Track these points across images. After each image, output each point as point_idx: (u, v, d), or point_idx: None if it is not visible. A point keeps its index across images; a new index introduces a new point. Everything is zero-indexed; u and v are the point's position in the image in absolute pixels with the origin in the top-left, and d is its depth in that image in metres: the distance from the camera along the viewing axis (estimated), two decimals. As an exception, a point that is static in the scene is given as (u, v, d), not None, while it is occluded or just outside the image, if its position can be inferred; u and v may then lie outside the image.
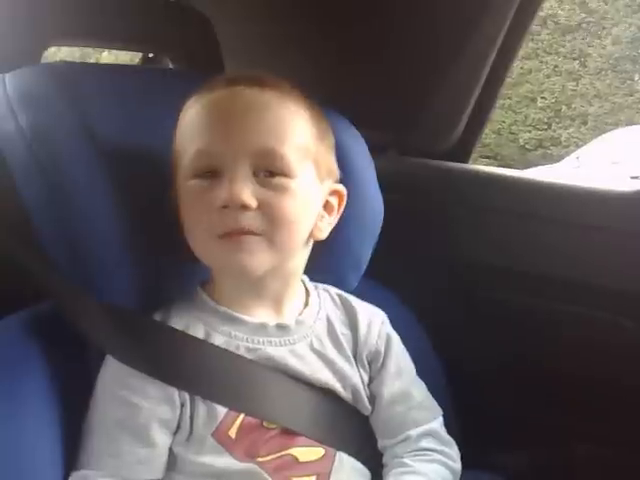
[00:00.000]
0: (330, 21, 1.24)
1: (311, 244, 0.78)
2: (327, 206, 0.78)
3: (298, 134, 0.73)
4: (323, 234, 0.78)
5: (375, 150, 0.92)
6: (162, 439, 0.71)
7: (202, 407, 0.71)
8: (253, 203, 0.70)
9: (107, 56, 5.45)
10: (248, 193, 0.69)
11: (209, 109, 0.73)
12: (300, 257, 0.78)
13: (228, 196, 0.69)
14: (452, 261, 1.15)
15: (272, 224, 0.71)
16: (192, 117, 0.74)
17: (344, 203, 0.80)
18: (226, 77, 0.76)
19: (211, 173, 0.71)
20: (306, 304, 0.80)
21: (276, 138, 0.72)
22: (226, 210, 0.70)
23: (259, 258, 0.71)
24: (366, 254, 0.89)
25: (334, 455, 0.75)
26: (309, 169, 0.74)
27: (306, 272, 0.82)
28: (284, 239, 0.72)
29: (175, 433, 0.72)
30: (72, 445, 0.71)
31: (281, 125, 0.72)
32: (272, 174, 0.71)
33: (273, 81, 0.75)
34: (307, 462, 0.74)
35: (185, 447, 0.72)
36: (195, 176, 0.72)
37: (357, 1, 1.21)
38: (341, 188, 0.80)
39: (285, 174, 0.72)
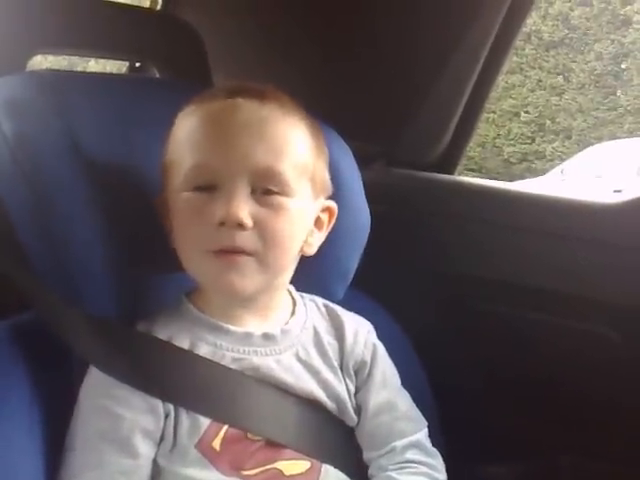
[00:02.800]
0: (318, 33, 1.24)
1: (299, 257, 0.78)
2: (318, 222, 0.78)
3: (298, 151, 0.73)
4: (312, 249, 0.78)
5: (362, 161, 0.92)
6: (145, 450, 0.70)
7: (186, 418, 0.71)
8: (249, 222, 0.69)
9: (94, 65, 5.43)
10: (246, 212, 0.69)
11: (208, 122, 0.72)
12: (288, 271, 0.78)
13: (225, 214, 0.69)
14: (438, 272, 1.15)
15: (266, 244, 0.71)
16: (190, 128, 0.73)
17: (334, 219, 0.80)
18: (225, 88, 0.75)
19: (207, 187, 0.71)
20: (292, 313, 0.80)
21: (276, 156, 0.71)
22: (222, 227, 0.69)
23: (250, 280, 0.71)
24: (352, 265, 0.89)
25: (320, 468, 0.74)
26: (306, 187, 0.74)
27: (292, 282, 0.81)
28: (276, 259, 0.72)
29: (159, 444, 0.71)
30: (55, 456, 0.69)
31: (281, 142, 0.72)
32: (270, 192, 0.71)
33: (272, 93, 0.75)
34: (293, 475, 0.73)
35: (169, 459, 0.71)
36: (191, 189, 0.71)
37: (344, 13, 1.22)
38: (333, 205, 0.80)
39: (283, 192, 0.71)
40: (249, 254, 0.70)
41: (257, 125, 0.71)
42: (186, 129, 0.73)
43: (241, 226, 0.69)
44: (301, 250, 0.77)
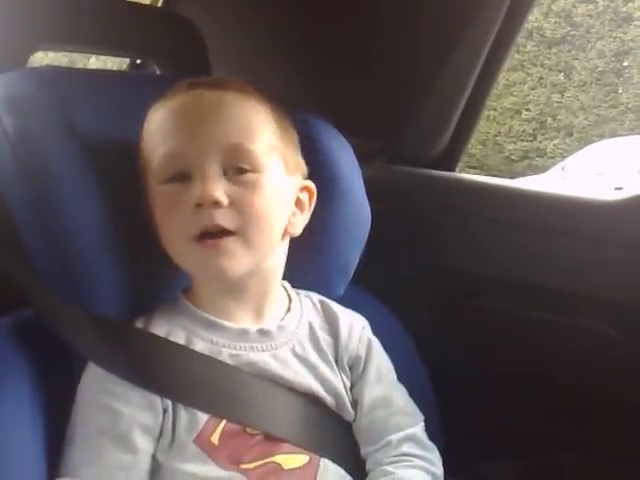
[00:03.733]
0: (318, 29, 1.24)
1: (287, 241, 0.79)
2: (298, 203, 0.79)
3: (263, 130, 0.75)
4: (297, 230, 0.79)
5: (363, 158, 0.92)
6: (144, 445, 0.70)
7: (184, 413, 0.71)
8: (225, 200, 0.70)
9: (95, 62, 5.43)
10: (220, 190, 0.70)
11: (173, 113, 0.74)
12: (277, 255, 0.78)
13: (200, 194, 0.70)
14: (439, 269, 1.15)
15: (245, 221, 0.71)
16: (156, 122, 0.75)
17: (314, 199, 0.81)
18: (187, 82, 0.77)
19: (181, 176, 0.72)
20: (288, 310, 0.80)
21: (242, 134, 0.73)
22: (200, 209, 0.70)
23: (238, 260, 0.72)
24: (353, 261, 0.89)
25: (318, 462, 0.75)
26: (277, 163, 0.75)
27: (293, 280, 0.82)
28: (259, 236, 0.73)
29: (158, 440, 0.71)
30: (55, 452, 0.70)
31: (245, 122, 0.74)
32: (241, 171, 0.72)
33: (233, 83, 0.77)
34: (291, 469, 0.73)
35: (168, 454, 0.71)
36: (166, 180, 0.73)
37: (345, 10, 1.22)
38: (310, 184, 0.80)
39: (254, 169, 0.73)
40: (230, 233, 0.71)
41: (221, 109, 0.73)
42: (154, 125, 0.75)
43: (217, 204, 0.70)
44: (286, 232, 0.77)
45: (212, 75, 1.11)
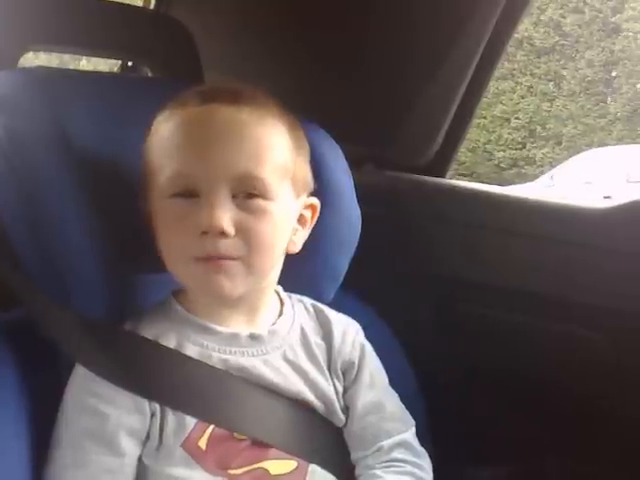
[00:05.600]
0: (310, 34, 1.25)
1: (284, 256, 0.78)
2: (301, 219, 0.78)
3: (277, 153, 0.73)
4: (297, 247, 0.78)
5: (354, 163, 0.92)
6: (131, 448, 0.69)
7: (172, 417, 0.71)
8: (232, 231, 0.69)
9: (85, 64, 5.42)
10: (228, 220, 0.69)
11: (185, 128, 0.72)
12: (274, 271, 0.78)
13: (208, 223, 0.69)
14: (428, 274, 1.16)
15: (250, 249, 0.71)
16: (167, 134, 0.73)
17: (317, 215, 0.80)
18: (200, 91, 0.75)
19: (188, 193, 0.71)
20: (280, 314, 0.80)
21: (255, 161, 0.71)
22: (205, 236, 0.69)
23: (238, 282, 0.71)
24: (343, 266, 0.89)
25: (307, 468, 0.74)
26: (287, 188, 0.74)
27: (282, 284, 0.81)
28: (261, 263, 0.72)
29: (145, 443, 0.71)
30: (41, 453, 0.69)
31: (260, 146, 0.72)
32: (251, 196, 0.71)
33: (248, 95, 0.74)
34: (279, 475, 0.73)
35: (155, 458, 0.71)
36: (172, 196, 0.71)
37: (336, 16, 1.22)
38: (315, 202, 0.80)
39: (264, 197, 0.71)
40: (234, 259, 0.70)
41: (234, 131, 0.71)
42: (163, 136, 0.73)
43: (224, 234, 0.69)
44: (286, 249, 0.77)
45: (204, 78, 1.11)
